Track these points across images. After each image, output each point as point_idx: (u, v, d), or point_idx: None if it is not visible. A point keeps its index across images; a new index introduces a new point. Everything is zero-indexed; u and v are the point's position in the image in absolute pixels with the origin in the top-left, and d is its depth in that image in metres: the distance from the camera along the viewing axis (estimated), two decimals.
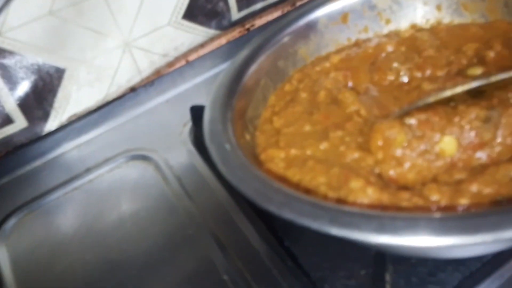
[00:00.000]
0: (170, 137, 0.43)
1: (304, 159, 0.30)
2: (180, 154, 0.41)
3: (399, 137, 0.28)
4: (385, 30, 0.39)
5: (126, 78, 0.45)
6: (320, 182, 0.28)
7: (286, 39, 0.38)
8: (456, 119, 0.28)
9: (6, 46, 0.37)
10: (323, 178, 0.28)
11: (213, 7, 0.46)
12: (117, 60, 0.43)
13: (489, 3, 0.36)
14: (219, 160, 0.28)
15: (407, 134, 0.28)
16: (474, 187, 0.25)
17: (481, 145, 0.28)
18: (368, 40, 0.39)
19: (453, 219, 0.21)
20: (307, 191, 0.27)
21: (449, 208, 0.24)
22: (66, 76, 0.41)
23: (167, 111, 0.46)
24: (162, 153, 0.42)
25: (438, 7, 0.38)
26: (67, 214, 0.40)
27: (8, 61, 0.38)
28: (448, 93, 0.28)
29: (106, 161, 0.42)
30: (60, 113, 0.43)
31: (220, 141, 0.29)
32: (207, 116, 0.32)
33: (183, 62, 0.48)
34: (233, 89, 0.34)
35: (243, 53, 0.37)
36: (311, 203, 0.24)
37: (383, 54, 0.37)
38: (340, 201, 0.26)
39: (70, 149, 0.44)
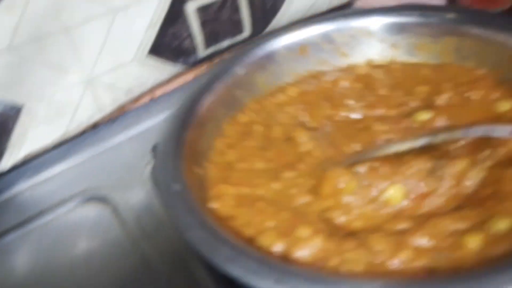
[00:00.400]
0: (131, 177, 0.41)
1: (254, 199, 0.30)
2: (140, 195, 0.40)
3: (349, 185, 0.29)
4: (343, 63, 0.41)
5: (87, 115, 0.43)
6: (268, 226, 0.28)
7: (243, 68, 0.38)
8: (403, 169, 0.29)
9: None
10: (272, 222, 0.28)
11: (179, 44, 0.45)
12: (78, 97, 0.42)
13: (441, 46, 0.38)
14: (166, 203, 0.29)
15: (357, 182, 0.29)
16: (415, 240, 0.26)
17: (426, 195, 0.29)
18: (326, 73, 0.40)
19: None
20: (254, 236, 0.28)
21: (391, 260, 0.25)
22: (23, 113, 0.40)
23: (129, 149, 0.45)
24: (121, 194, 0.40)
25: (394, 46, 0.40)
26: (18, 259, 0.38)
27: None
28: (395, 148, 0.29)
29: (62, 202, 0.40)
30: (15, 152, 0.41)
31: (168, 181, 0.29)
32: (158, 152, 0.32)
33: (148, 98, 0.47)
34: (186, 121, 0.34)
35: (199, 83, 0.37)
36: (258, 260, 0.24)
37: (339, 90, 0.38)
38: (287, 252, 0.27)
39: (24, 189, 0.42)
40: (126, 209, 0.39)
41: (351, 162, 0.30)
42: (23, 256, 0.38)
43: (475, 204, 0.27)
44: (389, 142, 0.31)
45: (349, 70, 0.40)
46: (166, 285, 0.33)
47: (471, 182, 0.29)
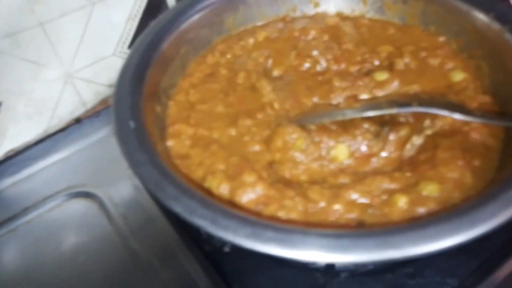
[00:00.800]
0: (116, 172, 0.41)
1: (209, 141, 0.31)
2: (126, 190, 0.40)
3: (298, 142, 0.30)
4: (313, 12, 0.41)
5: (68, 110, 0.43)
6: (218, 169, 0.29)
7: (214, 6, 0.38)
8: (351, 130, 0.31)
9: None
10: (222, 165, 0.29)
11: None
12: (58, 92, 0.42)
13: (409, 7, 0.38)
14: (120, 140, 0.29)
15: (306, 139, 0.30)
16: (350, 194, 0.27)
17: (370, 156, 0.30)
18: (295, 19, 0.41)
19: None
20: (204, 176, 0.29)
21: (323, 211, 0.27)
22: (2, 109, 0.41)
23: (113, 144, 0.44)
24: (107, 189, 0.40)
25: (364, 1, 0.40)
26: (3, 258, 0.38)
27: None
28: (343, 116, 0.30)
29: (46, 199, 0.40)
30: None
31: (124, 118, 0.29)
32: (116, 87, 0.31)
33: None
34: (148, 58, 0.34)
35: (163, 18, 0.36)
36: (200, 200, 0.25)
37: (307, 39, 0.39)
38: (232, 194, 0.28)
39: (7, 186, 0.42)
40: (113, 204, 0.39)
41: (305, 122, 0.31)
42: (9, 254, 0.38)
43: (411, 167, 0.28)
44: (341, 108, 0.32)
45: (318, 19, 0.40)
46: (155, 278, 0.33)
47: (410, 147, 0.30)
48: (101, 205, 0.39)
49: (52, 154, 0.44)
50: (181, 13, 0.36)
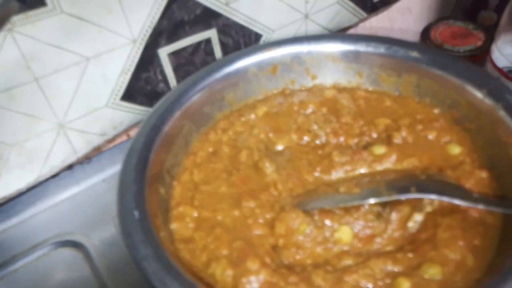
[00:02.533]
0: (105, 219, 0.41)
1: (213, 224, 0.31)
2: (112, 238, 0.40)
3: (301, 227, 0.30)
4: (311, 84, 0.42)
5: (60, 158, 0.44)
6: (222, 254, 0.29)
7: (214, 84, 0.39)
8: (353, 212, 0.31)
9: None
10: (225, 250, 0.29)
11: (153, 88, 0.46)
12: (50, 142, 0.43)
13: (403, 80, 0.39)
14: (124, 233, 0.29)
15: (309, 224, 0.31)
16: (354, 278, 0.27)
17: (374, 236, 0.30)
18: (294, 92, 0.42)
19: None
20: (208, 262, 0.29)
21: None
22: None
23: (104, 190, 0.46)
24: (93, 238, 0.41)
25: (359, 74, 0.41)
26: None
27: None
28: (345, 203, 0.31)
29: (34, 248, 0.41)
30: None
31: (129, 208, 0.29)
32: (121, 174, 0.32)
33: (124, 138, 0.48)
34: (151, 139, 0.34)
35: (166, 99, 0.37)
36: None
37: (306, 113, 0.40)
38: (236, 281, 0.28)
39: None
40: (98, 255, 0.40)
41: (308, 207, 0.32)
42: None
43: (413, 247, 0.29)
44: (341, 193, 0.32)
45: (316, 91, 0.41)
46: None
47: (412, 224, 0.30)
48: (87, 255, 0.40)
49: (43, 201, 0.45)
50: (183, 93, 0.37)
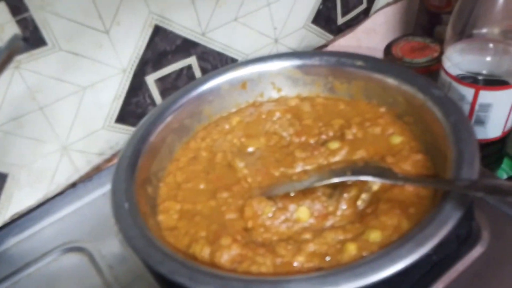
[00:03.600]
0: (105, 228, 0.46)
1: (193, 213, 0.37)
2: (113, 244, 0.45)
3: (265, 210, 0.36)
4: (277, 95, 0.48)
5: (65, 177, 0.50)
6: (201, 235, 0.35)
7: (192, 101, 0.45)
8: (308, 194, 0.36)
9: None
10: (204, 232, 0.35)
11: (143, 111, 0.52)
12: (55, 163, 0.49)
13: (353, 86, 0.45)
14: (116, 219, 0.34)
15: (272, 207, 0.36)
16: (311, 247, 0.32)
17: (327, 214, 0.36)
18: (263, 104, 0.47)
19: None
20: (189, 244, 0.34)
21: (288, 263, 0.32)
22: (8, 180, 0.47)
23: (104, 204, 0.50)
24: (96, 244, 0.46)
25: (317, 84, 0.47)
26: None
27: None
28: (299, 187, 0.37)
29: (44, 255, 0.46)
30: (3, 213, 0.47)
31: (120, 200, 0.35)
32: (113, 176, 0.38)
33: None
34: (139, 148, 0.40)
35: (151, 115, 0.43)
36: (181, 262, 0.30)
37: (273, 119, 0.45)
38: (212, 255, 0.33)
39: (12, 245, 0.48)
40: (101, 257, 0.45)
41: (271, 193, 0.37)
42: None
43: (359, 219, 0.35)
44: (295, 181, 0.38)
45: (282, 101, 0.47)
46: None
47: (361, 202, 0.36)
48: (91, 258, 0.45)
49: (51, 215, 0.50)
50: (166, 108, 0.43)
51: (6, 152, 0.46)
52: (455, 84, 0.46)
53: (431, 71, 0.58)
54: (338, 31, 0.66)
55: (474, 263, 0.36)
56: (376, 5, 0.69)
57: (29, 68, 0.44)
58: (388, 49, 0.63)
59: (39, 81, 0.45)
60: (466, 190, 0.29)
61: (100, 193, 0.52)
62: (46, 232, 0.49)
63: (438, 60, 0.58)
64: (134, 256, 0.43)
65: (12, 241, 0.48)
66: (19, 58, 0.43)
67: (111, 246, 0.45)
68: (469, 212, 0.38)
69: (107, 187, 0.53)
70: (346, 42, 0.70)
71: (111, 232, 0.46)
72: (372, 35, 0.73)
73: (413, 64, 0.59)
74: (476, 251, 0.37)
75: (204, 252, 0.33)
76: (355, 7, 0.65)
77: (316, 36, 0.63)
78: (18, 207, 0.48)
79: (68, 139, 0.49)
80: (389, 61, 0.62)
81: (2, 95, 0.43)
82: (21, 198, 0.48)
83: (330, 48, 0.68)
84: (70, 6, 0.43)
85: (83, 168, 0.51)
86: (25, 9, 0.41)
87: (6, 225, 0.48)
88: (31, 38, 0.42)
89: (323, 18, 0.62)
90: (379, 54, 0.63)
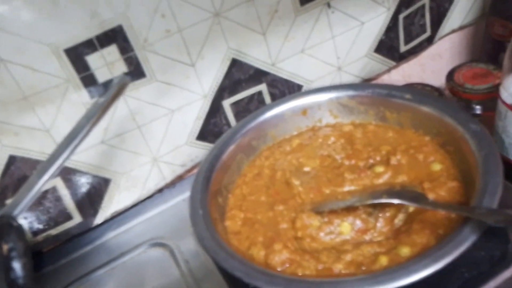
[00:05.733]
0: (184, 228, 0.53)
1: (254, 221, 0.44)
2: (189, 242, 0.53)
3: (313, 224, 0.42)
4: (333, 121, 0.54)
5: (154, 183, 0.59)
6: (258, 240, 0.42)
7: (260, 125, 0.52)
8: (352, 211, 0.42)
9: (70, 165, 0.54)
10: (261, 238, 0.42)
11: (219, 130, 0.60)
12: (147, 171, 0.58)
13: (402, 116, 0.50)
14: (192, 222, 0.42)
15: (319, 221, 0.42)
16: (349, 257, 0.38)
17: (366, 230, 0.41)
18: (320, 128, 0.53)
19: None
20: (249, 246, 0.41)
21: (329, 269, 0.37)
22: (111, 184, 0.57)
23: (184, 207, 0.57)
24: (176, 241, 0.54)
25: (370, 113, 0.52)
26: (107, 287, 0.53)
27: (72, 176, 0.54)
28: (344, 205, 0.42)
29: (136, 247, 0.55)
30: (105, 211, 0.57)
31: (196, 207, 0.43)
32: (191, 187, 0.45)
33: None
34: (213, 164, 0.48)
35: (225, 136, 0.51)
36: (241, 260, 0.38)
37: (328, 143, 0.51)
38: (266, 257, 0.40)
39: (111, 237, 0.58)
40: (179, 253, 0.53)
41: (319, 209, 0.43)
42: (112, 285, 0.53)
43: (394, 236, 0.40)
44: (340, 200, 0.44)
45: (337, 127, 0.53)
46: None
47: (398, 221, 0.41)
48: (171, 252, 0.53)
49: (141, 215, 0.59)
50: (237, 132, 0.51)
51: (111, 162, 0.56)
52: (511, 114, 0.49)
53: (492, 98, 0.60)
54: (401, 58, 0.70)
55: (506, 282, 0.40)
56: (441, 32, 0.72)
57: (132, 95, 0.53)
58: (450, 75, 0.65)
59: (139, 105, 0.54)
60: (483, 217, 0.33)
61: (182, 198, 0.60)
62: (138, 228, 0.58)
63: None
64: (206, 254, 0.51)
65: (111, 234, 0.58)
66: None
67: (188, 244, 0.53)
68: (504, 235, 0.42)
69: (187, 194, 0.60)
70: (410, 67, 0.73)
71: (188, 232, 0.52)
72: (436, 60, 0.75)
73: (474, 90, 0.60)
74: (509, 272, 0.40)
75: (260, 254, 0.40)
76: (418, 35, 0.69)
77: (378, 63, 0.67)
78: (117, 206, 0.58)
79: (159, 152, 0.59)
80: (450, 87, 0.65)
81: (110, 116, 0.53)
82: (119, 200, 0.58)
83: (393, 73, 0.72)
84: (165, 45, 0.53)
85: (169, 176, 0.61)
86: (131, 49, 0.51)
87: (107, 221, 0.58)
88: (134, 72, 0.52)
89: (386, 47, 0.67)
90: (443, 78, 0.66)
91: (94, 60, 0.50)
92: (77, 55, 0.49)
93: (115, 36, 0.49)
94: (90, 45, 0.49)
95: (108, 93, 0.44)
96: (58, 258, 0.57)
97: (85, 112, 0.44)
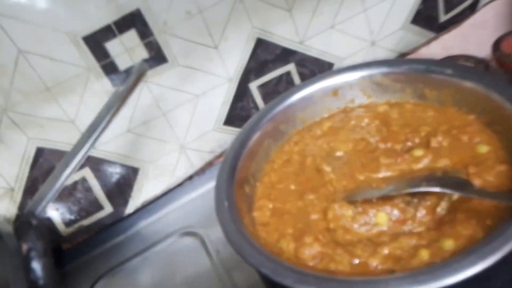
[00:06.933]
0: (214, 217, 0.53)
1: (283, 212, 0.42)
2: (220, 231, 0.51)
3: (346, 214, 0.39)
4: (367, 102, 0.50)
5: (183, 171, 0.59)
6: (288, 232, 0.39)
7: (288, 108, 0.49)
8: (388, 201, 0.38)
9: (99, 155, 0.54)
10: (291, 229, 0.40)
11: (247, 114, 0.59)
12: (175, 159, 0.58)
13: (443, 93, 0.46)
14: (218, 215, 0.40)
15: (353, 211, 0.39)
16: (385, 250, 0.35)
17: (404, 220, 0.38)
18: (353, 109, 0.50)
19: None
20: (278, 239, 0.39)
21: (364, 264, 0.35)
22: (140, 173, 0.57)
23: None
24: (207, 230, 0.54)
25: (407, 91, 0.48)
26: (141, 276, 0.54)
27: (101, 166, 0.54)
28: (379, 194, 0.39)
29: (167, 236, 0.56)
30: (135, 200, 0.57)
31: (221, 199, 0.41)
32: (217, 177, 0.43)
33: None
34: (240, 152, 0.45)
35: (250, 122, 0.48)
36: (267, 255, 0.35)
37: (361, 125, 0.48)
38: (296, 251, 0.37)
39: (143, 227, 0.58)
40: (210, 243, 0.53)
41: (352, 198, 0.40)
42: (144, 275, 0.54)
43: (436, 226, 0.36)
44: (375, 189, 0.41)
45: (371, 107, 0.49)
46: None
47: (440, 210, 0.37)
48: (202, 242, 0.54)
49: (172, 203, 0.59)
50: (263, 116, 0.48)
51: (138, 151, 0.56)
52: None
53: None
54: (441, 28, 0.65)
55: None
56: None
57: (154, 81, 0.53)
58: (496, 45, 0.61)
59: (162, 92, 0.54)
60: None
61: (212, 185, 0.57)
62: (169, 217, 0.59)
63: None
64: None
65: (142, 224, 0.59)
66: (147, 74, 0.52)
67: (218, 232, 0.50)
68: None
69: None
70: (451, 39, 0.68)
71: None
72: (480, 29, 0.70)
73: None
74: None
75: (290, 247, 0.38)
76: (459, 3, 0.64)
77: (415, 35, 0.63)
78: (147, 195, 0.58)
79: (185, 139, 0.58)
80: (497, 57, 0.60)
81: (134, 104, 0.53)
82: (149, 189, 0.58)
83: (433, 45, 0.67)
84: (186, 27, 0.51)
85: (198, 163, 0.60)
86: (151, 33, 0.50)
87: (138, 210, 0.58)
88: (155, 57, 0.51)
89: (424, 17, 0.62)
90: (488, 49, 0.61)
91: (113, 46, 0.48)
92: (96, 43, 0.47)
93: (133, 21, 0.48)
94: (108, 31, 0.48)
95: (127, 81, 0.43)
96: (91, 248, 0.58)
97: (105, 103, 0.43)
